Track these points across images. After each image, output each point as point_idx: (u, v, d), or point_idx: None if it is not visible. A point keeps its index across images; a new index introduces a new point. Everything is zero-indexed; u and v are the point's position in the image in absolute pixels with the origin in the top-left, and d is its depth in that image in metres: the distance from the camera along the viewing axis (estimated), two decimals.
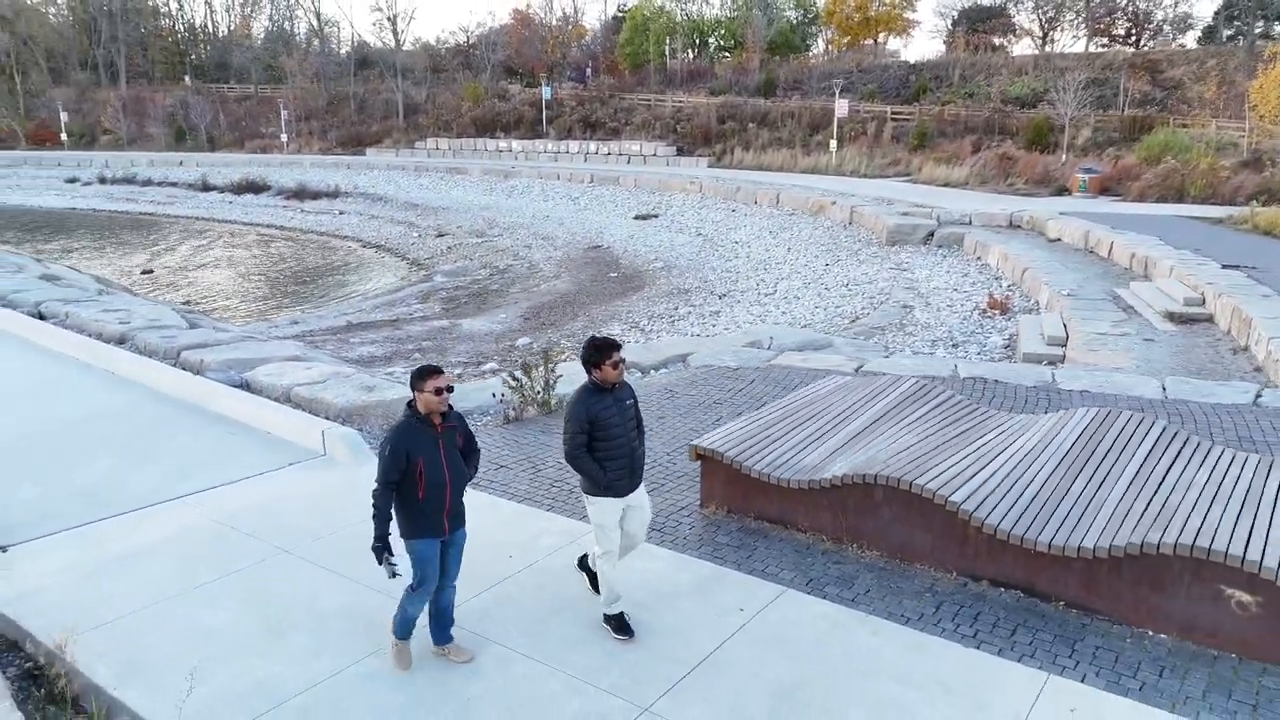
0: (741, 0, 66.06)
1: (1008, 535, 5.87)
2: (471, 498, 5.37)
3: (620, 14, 71.17)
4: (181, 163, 57.48)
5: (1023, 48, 61.07)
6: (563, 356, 15.45)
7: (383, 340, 19.36)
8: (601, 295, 24.33)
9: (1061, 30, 60.63)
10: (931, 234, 25.76)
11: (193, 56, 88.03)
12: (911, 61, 55.18)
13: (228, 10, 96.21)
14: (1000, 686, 5.07)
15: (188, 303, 23.86)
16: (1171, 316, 15.17)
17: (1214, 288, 15.27)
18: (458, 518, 5.17)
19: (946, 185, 35.48)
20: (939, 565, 6.28)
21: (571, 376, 10.32)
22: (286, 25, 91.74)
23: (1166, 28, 57.62)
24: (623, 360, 5.46)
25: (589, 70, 64.62)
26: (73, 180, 55.49)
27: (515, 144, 53.61)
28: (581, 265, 29.06)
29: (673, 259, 28.76)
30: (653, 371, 11.84)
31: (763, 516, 7.08)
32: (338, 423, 9.27)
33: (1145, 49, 52.69)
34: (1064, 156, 36.14)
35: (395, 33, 70.62)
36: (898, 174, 39.35)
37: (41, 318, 14.46)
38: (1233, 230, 22.87)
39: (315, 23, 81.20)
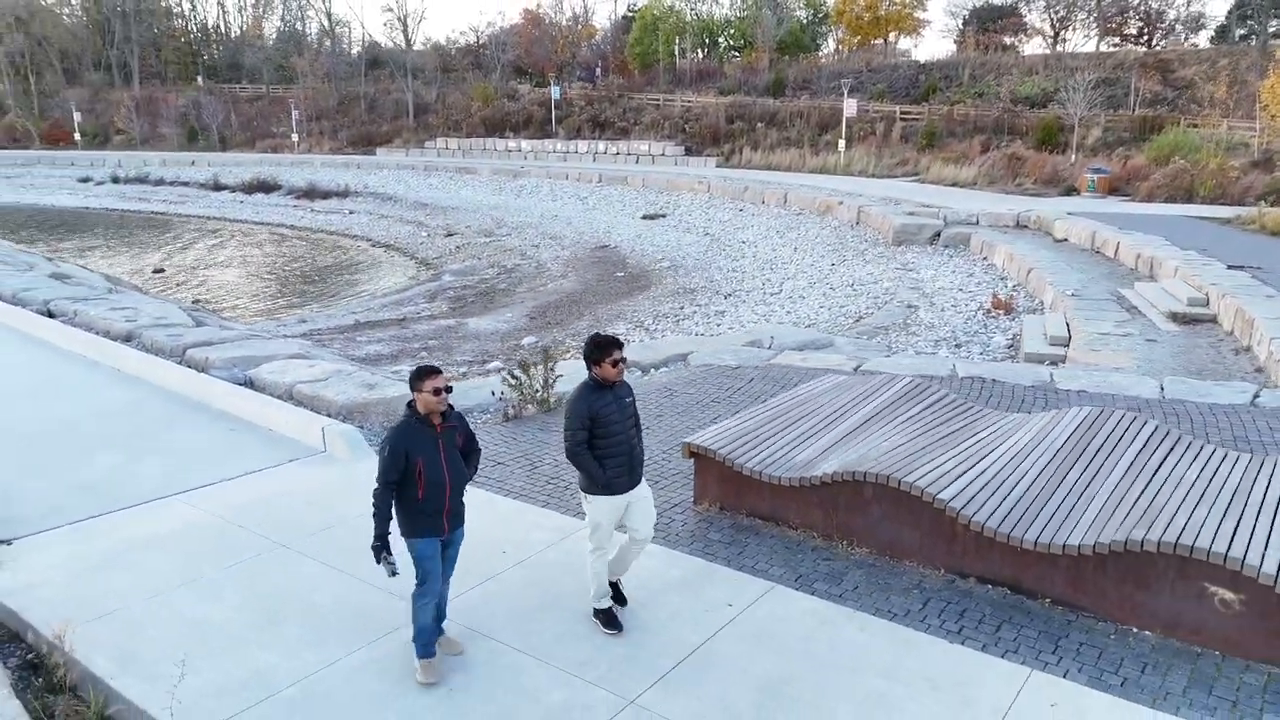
0: (752, 0, 66.02)
1: (995, 533, 5.92)
2: (468, 494, 5.44)
3: (630, 14, 71.31)
4: (193, 162, 57.91)
5: (1033, 47, 60.97)
6: (566, 355, 15.54)
7: (389, 339, 19.50)
8: (607, 295, 24.42)
9: (1073, 30, 60.49)
10: (938, 234, 25.74)
11: (205, 57, 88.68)
12: (921, 61, 55.10)
13: (240, 11, 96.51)
14: (984, 682, 5.12)
15: (197, 302, 24.07)
16: (1175, 317, 15.15)
17: (1218, 288, 15.24)
18: (457, 517, 5.21)
19: (954, 185, 35.43)
20: (927, 562, 6.33)
21: (570, 375, 10.41)
22: (298, 25, 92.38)
23: (1179, 27, 57.43)
24: (623, 359, 5.49)
25: (598, 70, 64.75)
26: (86, 180, 56.01)
27: (524, 144, 53.79)
28: (588, 265, 29.16)
29: (679, 259, 28.83)
30: (653, 370, 11.91)
31: (755, 514, 7.15)
32: (339, 420, 9.38)
33: (1157, 48, 52.45)
34: (1073, 156, 36.04)
35: (406, 33, 70.69)
36: (906, 174, 39.31)
37: (50, 315, 14.63)
38: (1240, 231, 22.79)
39: (326, 23, 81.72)
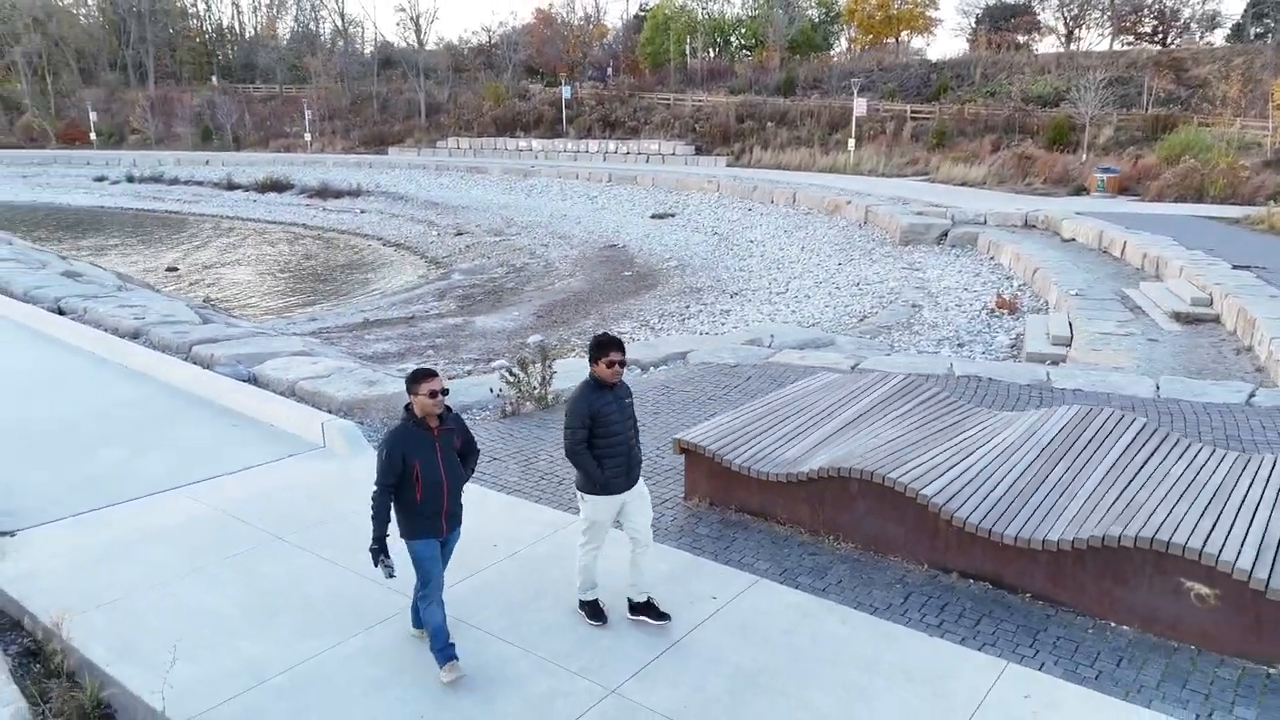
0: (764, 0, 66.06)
1: (977, 528, 5.99)
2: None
3: (642, 13, 71.35)
4: (208, 162, 58.39)
5: (1047, 46, 60.76)
6: (570, 354, 15.65)
7: (397, 337, 19.67)
8: (615, 294, 24.54)
9: (1087, 28, 60.21)
10: (945, 234, 25.73)
11: (219, 57, 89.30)
12: (933, 60, 55.00)
13: (254, 11, 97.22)
14: (961, 674, 5.20)
15: (208, 300, 24.29)
16: (1178, 317, 15.14)
17: (1222, 288, 15.22)
18: (455, 518, 5.28)
19: (964, 185, 35.38)
20: (911, 557, 6.40)
21: (569, 373, 10.52)
22: (311, 26, 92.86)
23: (1194, 25, 57.06)
24: (620, 361, 5.47)
25: (609, 69, 64.84)
26: (101, 179, 56.54)
27: (535, 143, 53.97)
28: (597, 264, 29.28)
29: (687, 258, 28.91)
30: (652, 369, 12.01)
31: (744, 509, 7.24)
32: (339, 415, 9.52)
33: (1172, 47, 52.14)
34: (1084, 156, 35.91)
35: (418, 33, 71.32)
36: (916, 173, 39.26)
37: (61, 313, 14.85)
38: (1249, 231, 22.70)
39: (339, 23, 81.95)
